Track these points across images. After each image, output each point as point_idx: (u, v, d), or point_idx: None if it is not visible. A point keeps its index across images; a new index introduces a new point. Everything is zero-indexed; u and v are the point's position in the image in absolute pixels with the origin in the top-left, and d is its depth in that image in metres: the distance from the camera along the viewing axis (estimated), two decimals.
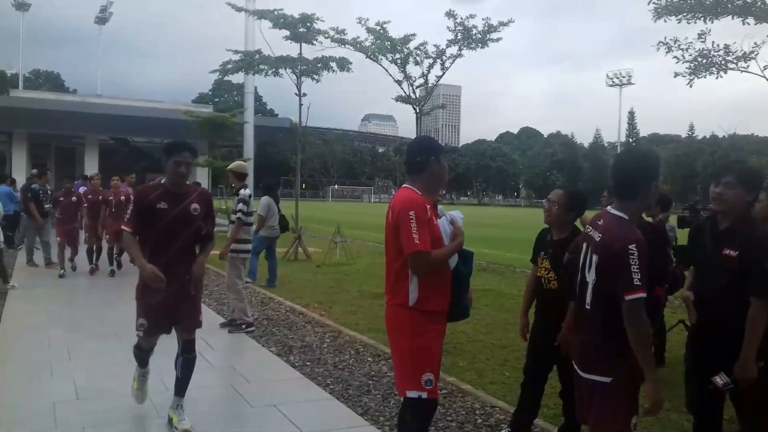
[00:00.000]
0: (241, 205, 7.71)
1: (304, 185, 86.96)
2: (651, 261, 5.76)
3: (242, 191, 7.84)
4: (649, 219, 6.70)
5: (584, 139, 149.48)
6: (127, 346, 6.80)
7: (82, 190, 14.82)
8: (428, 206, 3.29)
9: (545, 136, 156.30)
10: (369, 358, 6.52)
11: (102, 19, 63.24)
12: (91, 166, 25.89)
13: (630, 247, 2.72)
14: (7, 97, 33.60)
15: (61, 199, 11.98)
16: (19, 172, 24.34)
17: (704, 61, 12.81)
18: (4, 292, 9.73)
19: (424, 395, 3.24)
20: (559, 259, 4.16)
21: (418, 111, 17.45)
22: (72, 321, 8.08)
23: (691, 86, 13.12)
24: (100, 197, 11.91)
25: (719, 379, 3.26)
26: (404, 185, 3.45)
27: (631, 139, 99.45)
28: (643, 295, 2.68)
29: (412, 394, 3.25)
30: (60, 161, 27.21)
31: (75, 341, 6.90)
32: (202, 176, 25.09)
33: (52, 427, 4.48)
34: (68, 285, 10.84)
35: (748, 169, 3.57)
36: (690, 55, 12.91)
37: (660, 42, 13.05)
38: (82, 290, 10.55)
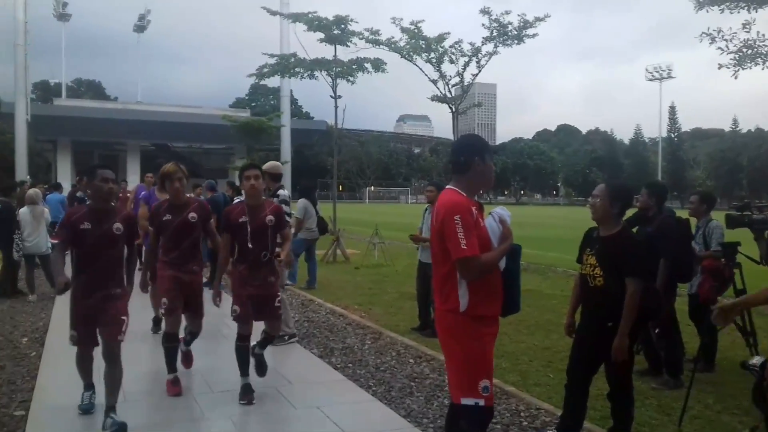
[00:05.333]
0: (285, 208, 7.60)
1: (340, 187, 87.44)
2: (678, 257, 5.60)
3: (281, 192, 7.76)
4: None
5: (624, 135, 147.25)
6: None
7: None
8: (473, 207, 3.21)
9: (584, 132, 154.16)
10: (411, 360, 6.49)
11: (140, 27, 64.49)
12: (133, 172, 26.39)
13: None
14: (51, 106, 34.53)
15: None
16: (64, 179, 25.01)
17: (749, 51, 12.47)
18: (52, 296, 9.96)
19: (481, 402, 3.15)
20: (608, 254, 4.07)
21: (454, 110, 17.40)
22: None
23: (736, 78, 12.79)
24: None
25: None
26: (447, 186, 3.35)
27: (672, 134, 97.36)
28: None
29: (467, 401, 3.16)
30: None
31: (121, 345, 7.01)
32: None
33: (101, 428, 4.55)
34: None
35: None
36: (734, 46, 12.59)
37: (703, 33, 12.76)
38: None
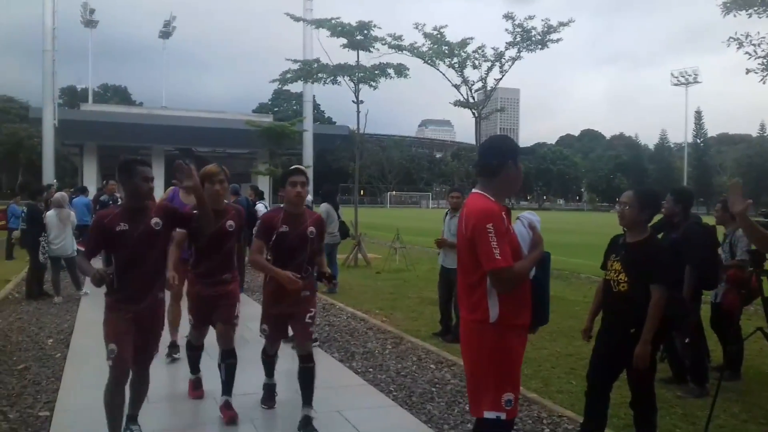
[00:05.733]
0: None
1: (362, 192, 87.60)
2: (703, 264, 5.49)
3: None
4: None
5: (649, 140, 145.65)
6: None
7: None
8: (504, 214, 3.05)
9: (608, 137, 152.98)
10: (432, 365, 6.46)
11: (166, 33, 65.23)
12: (158, 176, 26.71)
13: None
14: (78, 111, 35.03)
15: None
16: (90, 182, 25.35)
17: None
18: (77, 298, 10.10)
19: (503, 416, 3.01)
20: (634, 261, 4.03)
21: (476, 115, 17.34)
22: None
23: (764, 82, 12.62)
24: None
25: None
26: (474, 190, 3.19)
27: (698, 140, 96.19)
28: None
29: (489, 414, 3.02)
30: None
31: None
32: (263, 184, 25.56)
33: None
34: None
35: None
36: (763, 51, 12.43)
37: (731, 37, 12.64)
38: None
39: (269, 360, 5.09)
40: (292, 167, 4.82)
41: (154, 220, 4.03)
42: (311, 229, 4.67)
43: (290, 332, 4.93)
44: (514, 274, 2.96)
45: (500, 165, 3.12)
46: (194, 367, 5.34)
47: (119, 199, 13.05)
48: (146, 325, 4.09)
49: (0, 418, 4.82)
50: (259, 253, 4.62)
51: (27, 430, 4.60)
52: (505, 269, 2.91)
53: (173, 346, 6.56)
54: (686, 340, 5.75)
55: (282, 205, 4.76)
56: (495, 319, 3.01)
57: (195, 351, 5.27)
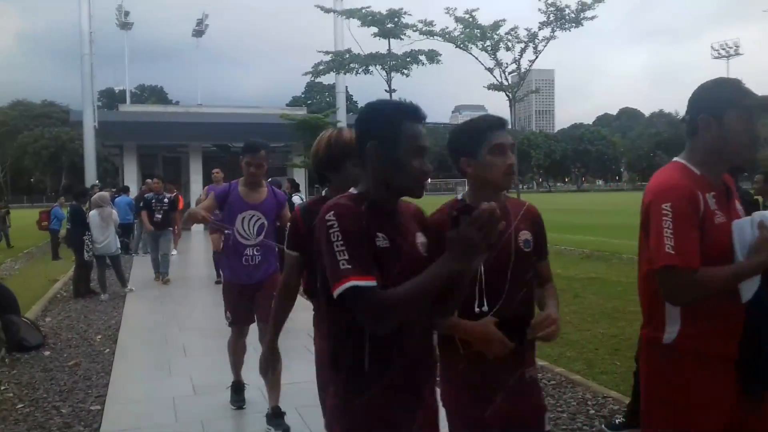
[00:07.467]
0: None
1: None
2: None
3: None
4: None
5: None
6: None
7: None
8: (711, 193, 2.12)
9: (647, 115, 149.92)
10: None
11: (199, 32, 65.85)
12: (196, 171, 27.10)
13: None
14: (116, 112, 35.65)
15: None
16: (131, 182, 25.82)
17: None
18: (122, 295, 10.32)
19: None
20: None
21: (511, 97, 17.16)
22: (186, 320, 8.46)
23: None
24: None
25: None
26: (675, 158, 2.27)
27: None
28: None
29: None
30: (168, 170, 28.79)
31: (190, 339, 7.21)
32: (299, 177, 25.70)
33: (173, 421, 4.70)
34: (181, 286, 11.36)
35: None
36: None
37: None
38: (195, 291, 11.01)
39: None
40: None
41: (420, 239, 2.13)
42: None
43: None
44: (693, 282, 2.01)
45: (693, 121, 2.18)
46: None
47: (165, 198, 12.18)
48: None
49: (54, 413, 4.96)
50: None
51: (80, 424, 4.72)
52: (677, 270, 2.00)
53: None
54: None
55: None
56: (671, 340, 2.14)
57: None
